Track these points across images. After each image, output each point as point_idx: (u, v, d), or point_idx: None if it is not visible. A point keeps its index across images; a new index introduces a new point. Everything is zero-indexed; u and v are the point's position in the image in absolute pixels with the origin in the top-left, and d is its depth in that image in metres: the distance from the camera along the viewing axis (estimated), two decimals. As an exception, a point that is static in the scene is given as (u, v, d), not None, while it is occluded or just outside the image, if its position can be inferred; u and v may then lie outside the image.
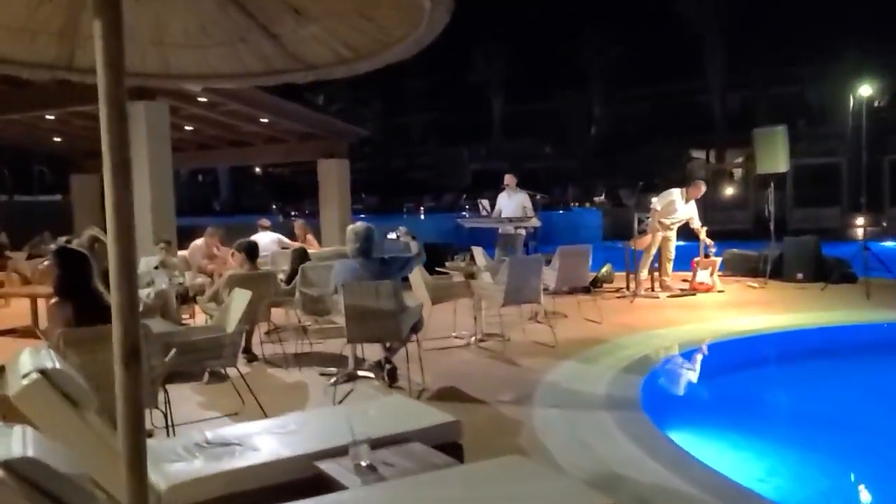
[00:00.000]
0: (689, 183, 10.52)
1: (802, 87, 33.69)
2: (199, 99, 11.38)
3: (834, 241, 13.68)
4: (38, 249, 11.47)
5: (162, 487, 2.63)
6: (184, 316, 7.81)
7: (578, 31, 38.83)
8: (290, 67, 2.75)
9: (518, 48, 40.67)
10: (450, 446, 3.08)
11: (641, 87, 38.02)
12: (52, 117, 12.79)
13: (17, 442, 1.73)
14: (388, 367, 5.77)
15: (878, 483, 4.37)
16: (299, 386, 5.91)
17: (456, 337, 7.50)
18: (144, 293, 6.27)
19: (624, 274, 10.70)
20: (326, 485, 2.68)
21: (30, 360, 2.56)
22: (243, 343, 6.14)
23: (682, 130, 33.30)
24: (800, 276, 10.82)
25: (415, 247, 5.91)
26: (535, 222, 10.07)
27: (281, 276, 7.64)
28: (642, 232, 10.25)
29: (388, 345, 5.78)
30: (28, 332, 8.10)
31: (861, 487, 4.45)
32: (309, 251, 8.87)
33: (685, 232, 10.52)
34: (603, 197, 33.21)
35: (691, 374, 6.73)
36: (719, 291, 10.20)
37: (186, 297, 7.75)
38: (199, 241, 9.87)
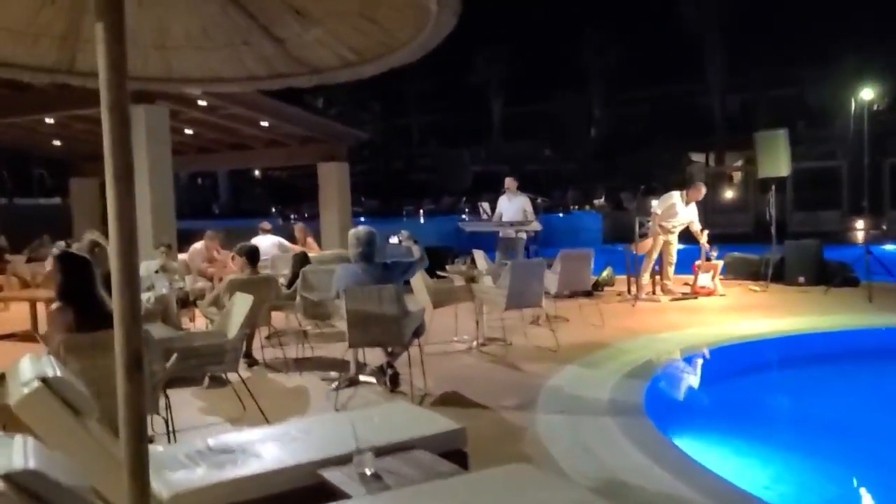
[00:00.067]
0: (688, 186, 10.50)
1: (802, 90, 33.69)
2: (199, 102, 11.36)
3: (834, 244, 13.64)
4: (37, 253, 11.46)
5: (164, 496, 2.60)
6: (184, 320, 7.78)
7: (578, 33, 38.91)
8: (294, 71, 2.73)
9: (518, 50, 40.74)
10: (454, 454, 3.05)
11: (641, 88, 38.06)
12: (51, 121, 12.77)
13: (18, 453, 1.70)
14: (389, 371, 5.73)
15: (882, 489, 4.34)
16: (300, 391, 5.87)
17: (457, 341, 7.47)
18: (145, 297, 6.23)
19: (625, 277, 10.68)
20: (330, 494, 2.65)
21: (30, 367, 2.53)
22: (244, 347, 6.11)
23: (682, 132, 33.32)
24: (801, 279, 10.79)
25: (417, 251, 5.87)
26: (536, 226, 10.05)
27: (282, 280, 7.61)
28: (643, 235, 10.22)
29: (390, 349, 5.75)
30: (27, 337, 8.07)
31: (866, 494, 4.42)
32: (309, 255, 8.85)
33: (686, 235, 10.50)
34: (603, 200, 33.22)
35: (695, 379, 6.70)
36: (721, 295, 10.18)
37: (187, 302, 7.71)
38: (198, 245, 9.84)
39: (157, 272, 7.44)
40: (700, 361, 6.89)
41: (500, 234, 10.35)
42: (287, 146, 15.32)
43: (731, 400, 6.07)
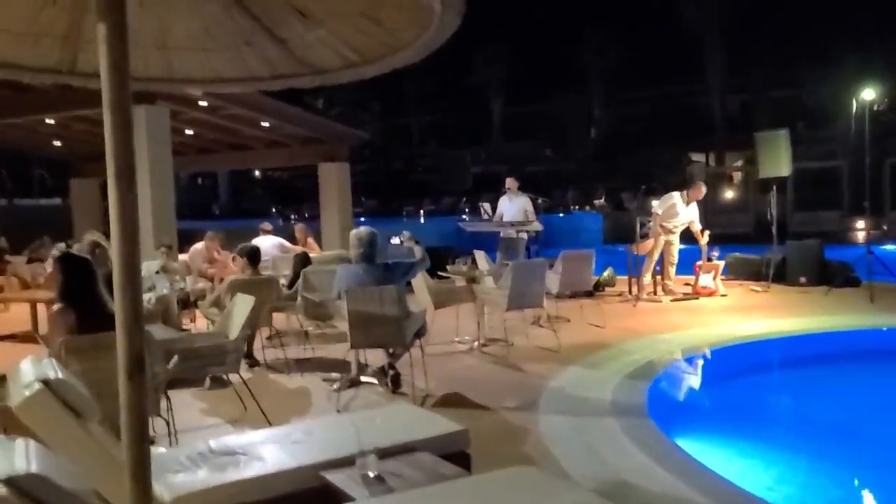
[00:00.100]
0: (689, 186, 10.48)
1: (802, 90, 33.68)
2: (200, 103, 11.34)
3: (834, 244, 13.62)
4: (37, 253, 11.43)
5: (166, 499, 2.59)
6: (184, 321, 7.77)
7: (578, 33, 38.89)
8: (297, 72, 2.71)
9: (518, 50, 40.72)
10: (457, 455, 3.04)
11: (641, 88, 38.04)
12: (52, 121, 12.77)
13: (20, 457, 1.69)
14: (391, 372, 5.72)
15: (885, 490, 4.33)
16: (302, 392, 5.86)
17: (459, 342, 7.45)
18: (146, 298, 6.22)
19: (625, 277, 10.66)
20: (333, 496, 2.64)
21: (31, 369, 2.52)
22: (245, 348, 6.09)
23: (682, 133, 33.30)
24: (803, 279, 10.77)
25: (418, 252, 5.86)
26: (537, 226, 10.04)
27: (283, 281, 7.60)
28: (644, 236, 10.21)
29: (391, 350, 5.73)
30: (28, 338, 8.06)
31: (869, 495, 4.41)
32: (310, 255, 8.83)
33: (687, 236, 10.48)
34: (603, 200, 33.18)
35: (697, 380, 6.69)
36: (722, 295, 10.16)
37: (187, 302, 7.70)
38: (199, 245, 9.83)
39: (157, 273, 7.43)
40: (702, 362, 6.87)
41: (501, 235, 10.34)
42: (288, 147, 15.31)
43: (733, 401, 6.06)
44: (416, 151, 46.30)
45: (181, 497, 2.60)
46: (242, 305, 5.06)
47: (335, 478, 2.69)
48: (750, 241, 15.37)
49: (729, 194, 28.06)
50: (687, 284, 10.42)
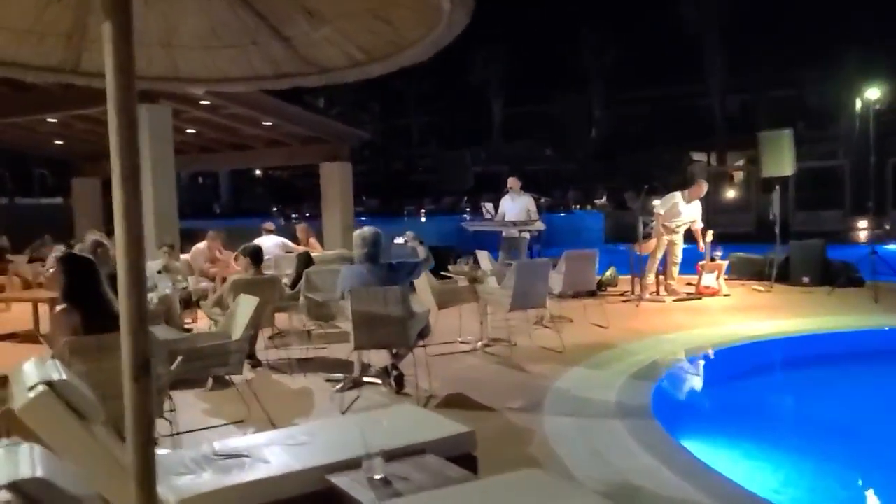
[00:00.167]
0: (689, 185, 10.46)
1: (803, 90, 33.66)
2: (202, 102, 11.32)
3: (836, 244, 13.59)
4: (39, 253, 11.41)
5: (171, 502, 2.56)
6: (186, 321, 7.75)
7: (578, 33, 38.86)
8: (302, 71, 2.69)
9: (518, 50, 40.69)
10: (464, 458, 3.01)
11: (641, 89, 38.03)
12: (53, 120, 12.74)
13: (24, 462, 1.66)
14: (394, 373, 5.69)
15: (892, 492, 4.31)
16: (305, 392, 5.83)
17: (462, 342, 7.42)
18: (148, 298, 6.19)
19: (628, 277, 10.63)
20: (339, 499, 2.61)
21: (35, 371, 2.50)
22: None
23: (683, 132, 33.30)
24: (806, 280, 10.74)
25: (422, 252, 5.83)
26: (540, 225, 10.01)
27: (285, 281, 7.57)
28: (647, 236, 10.18)
29: (394, 351, 5.71)
30: (29, 337, 8.04)
31: (876, 497, 4.38)
32: (312, 255, 8.81)
33: (687, 235, 10.44)
34: (604, 199, 33.16)
35: (702, 381, 6.66)
36: (725, 295, 10.13)
37: (189, 302, 7.68)
38: (201, 245, 9.82)
39: (159, 272, 7.41)
40: (707, 362, 6.85)
41: (504, 234, 10.31)
42: (289, 146, 15.29)
43: (739, 402, 6.03)
44: (416, 151, 46.29)
45: (186, 500, 2.58)
46: (246, 305, 5.03)
47: (341, 481, 2.67)
48: (752, 241, 15.34)
49: (730, 194, 28.06)
50: (690, 284, 10.40)
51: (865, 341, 7.45)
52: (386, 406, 4.91)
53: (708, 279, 10.21)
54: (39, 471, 1.64)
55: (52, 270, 8.13)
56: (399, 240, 6.49)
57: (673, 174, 24.81)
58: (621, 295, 10.40)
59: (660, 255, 10.16)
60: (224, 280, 8.08)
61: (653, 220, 10.15)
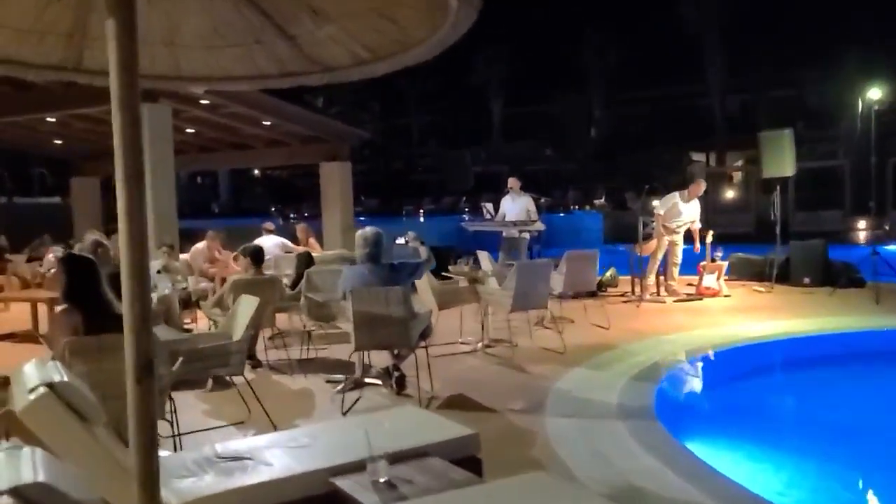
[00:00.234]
0: (689, 185, 10.45)
1: (803, 90, 33.65)
2: (201, 101, 11.29)
3: (836, 244, 13.58)
4: (38, 252, 11.38)
5: (173, 504, 2.54)
6: (186, 321, 7.72)
7: (578, 33, 38.83)
8: (306, 69, 2.67)
9: (518, 50, 40.66)
10: (468, 460, 2.99)
11: (641, 89, 38.01)
12: (52, 120, 12.70)
13: (26, 466, 1.64)
14: (396, 374, 5.67)
15: (894, 492, 4.29)
16: (305, 393, 5.81)
17: (462, 343, 7.40)
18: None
19: (628, 278, 10.61)
20: (343, 503, 2.59)
21: (36, 372, 2.47)
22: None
23: (683, 133, 33.28)
24: (806, 280, 10.72)
25: (424, 252, 5.81)
26: (540, 226, 10.00)
27: (285, 281, 7.55)
28: (648, 237, 10.16)
29: (396, 351, 5.69)
30: (28, 337, 8.01)
31: (879, 498, 4.37)
32: (312, 254, 8.78)
33: (686, 235, 10.42)
34: (603, 200, 33.14)
35: (704, 382, 6.64)
36: (726, 296, 10.12)
37: (189, 302, 7.65)
38: (200, 245, 9.79)
39: (159, 272, 7.38)
40: (708, 363, 6.83)
41: (504, 235, 10.29)
42: (288, 145, 15.26)
43: (741, 402, 6.01)
44: (416, 151, 46.24)
45: (188, 503, 2.56)
46: (246, 306, 5.01)
47: (345, 484, 2.64)
48: (752, 242, 15.33)
49: (730, 194, 28.04)
50: (690, 285, 10.38)
51: (867, 342, 7.42)
52: (387, 407, 4.90)
53: (708, 280, 10.20)
54: (41, 475, 1.61)
55: (52, 271, 8.11)
56: (400, 240, 6.48)
57: (673, 174, 24.76)
58: (622, 295, 10.38)
59: (660, 256, 10.14)
60: (223, 280, 8.06)
61: (653, 221, 10.13)
